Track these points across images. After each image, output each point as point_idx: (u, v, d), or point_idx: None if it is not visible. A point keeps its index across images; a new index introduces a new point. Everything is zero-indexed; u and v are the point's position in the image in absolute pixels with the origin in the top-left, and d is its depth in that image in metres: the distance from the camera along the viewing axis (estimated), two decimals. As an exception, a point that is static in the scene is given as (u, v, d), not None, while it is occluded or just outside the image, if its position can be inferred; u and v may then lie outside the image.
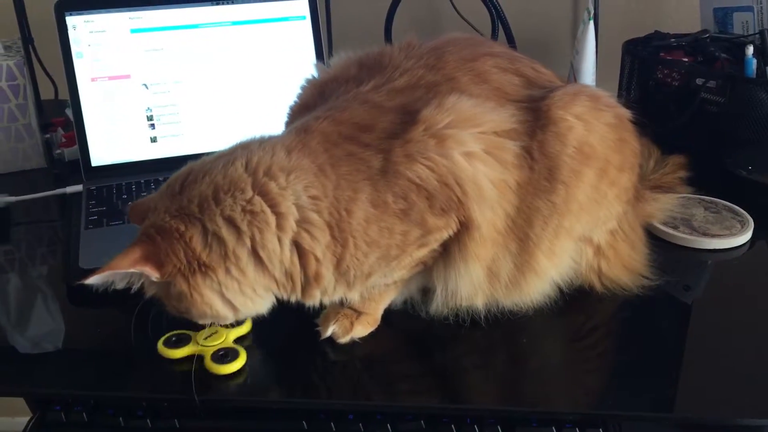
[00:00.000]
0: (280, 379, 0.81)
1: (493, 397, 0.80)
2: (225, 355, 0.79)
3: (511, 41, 1.43)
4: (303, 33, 1.23)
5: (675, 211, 1.04)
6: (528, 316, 0.85)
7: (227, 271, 0.73)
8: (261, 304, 0.78)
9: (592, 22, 1.28)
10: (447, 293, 0.82)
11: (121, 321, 0.89)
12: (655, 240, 0.98)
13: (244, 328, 0.84)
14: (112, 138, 1.17)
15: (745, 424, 0.74)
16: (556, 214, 0.81)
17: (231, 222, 0.73)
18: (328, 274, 0.76)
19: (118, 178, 1.15)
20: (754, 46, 1.21)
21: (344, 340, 0.83)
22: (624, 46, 1.36)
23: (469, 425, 0.77)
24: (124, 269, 0.72)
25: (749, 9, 1.32)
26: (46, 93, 1.51)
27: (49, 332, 0.88)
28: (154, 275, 0.73)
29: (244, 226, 0.73)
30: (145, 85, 1.18)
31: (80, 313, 0.93)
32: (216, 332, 0.82)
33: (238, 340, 0.83)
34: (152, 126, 1.19)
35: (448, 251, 0.80)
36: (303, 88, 0.93)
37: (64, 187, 1.17)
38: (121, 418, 0.80)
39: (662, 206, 1.03)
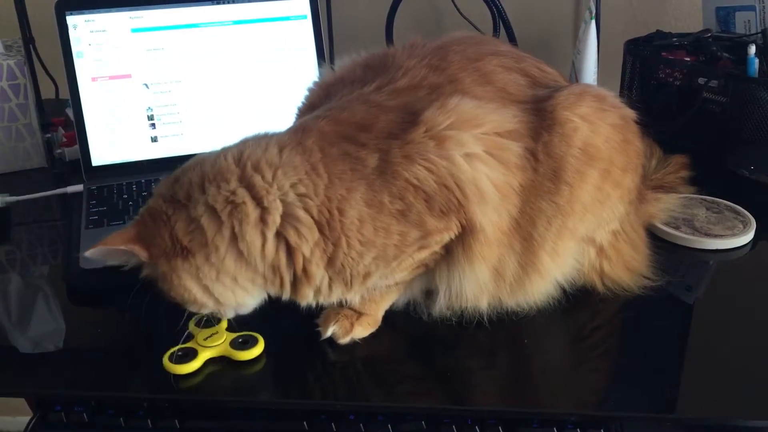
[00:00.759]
0: (280, 379, 0.81)
1: (494, 397, 0.79)
2: (244, 343, 0.80)
3: (512, 41, 1.42)
4: (304, 32, 1.23)
5: (677, 211, 1.04)
6: (530, 317, 0.85)
7: (206, 257, 0.75)
8: (244, 296, 0.78)
9: (593, 22, 1.28)
10: (450, 294, 0.82)
11: (122, 321, 0.90)
12: (656, 240, 0.98)
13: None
14: (113, 138, 1.17)
15: (747, 425, 0.74)
16: (559, 214, 0.81)
17: (212, 211, 0.74)
18: (318, 272, 0.76)
19: (119, 178, 1.15)
20: (756, 46, 1.20)
21: (344, 340, 0.82)
22: (626, 46, 1.36)
23: (470, 426, 0.77)
24: (116, 246, 0.75)
25: (751, 8, 1.32)
26: (47, 92, 1.52)
27: (49, 332, 0.88)
28: (142, 255, 0.75)
29: (224, 216, 0.74)
30: (145, 84, 1.18)
31: (81, 313, 0.93)
32: (216, 332, 0.82)
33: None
34: (153, 126, 1.18)
35: (451, 253, 0.80)
36: (310, 89, 0.94)
37: (65, 186, 1.17)
38: (121, 419, 0.79)
39: (664, 206, 1.03)
